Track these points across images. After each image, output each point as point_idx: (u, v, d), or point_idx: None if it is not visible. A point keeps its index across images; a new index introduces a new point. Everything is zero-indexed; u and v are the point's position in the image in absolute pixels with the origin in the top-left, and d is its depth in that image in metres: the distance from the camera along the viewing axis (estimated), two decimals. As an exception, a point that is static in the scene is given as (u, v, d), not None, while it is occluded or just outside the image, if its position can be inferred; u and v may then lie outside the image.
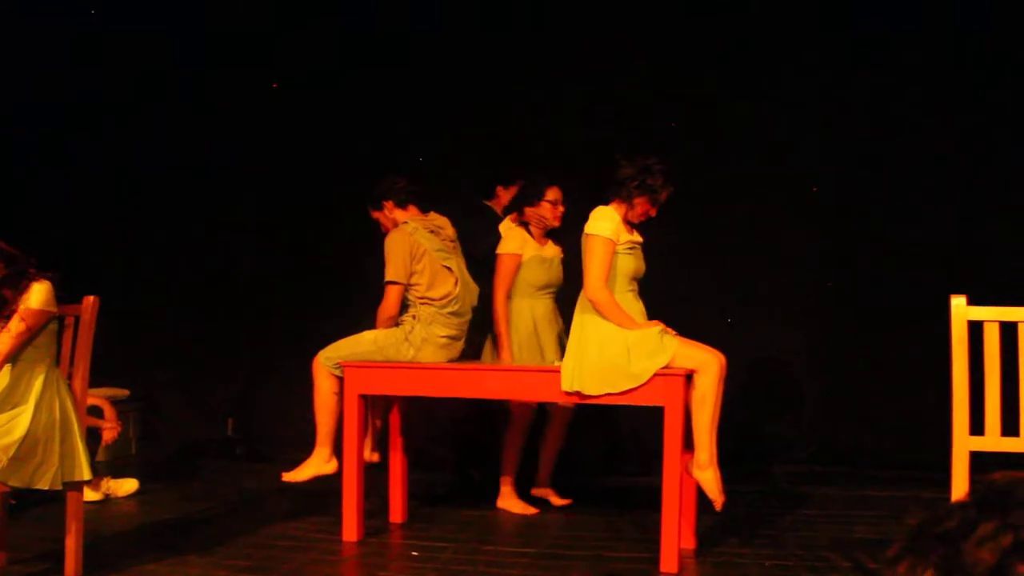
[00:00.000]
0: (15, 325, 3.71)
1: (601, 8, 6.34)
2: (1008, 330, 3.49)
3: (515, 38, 6.49)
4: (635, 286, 4.47)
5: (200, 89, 6.86)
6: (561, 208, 5.18)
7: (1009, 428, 3.44)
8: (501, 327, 5.11)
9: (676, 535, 4.14)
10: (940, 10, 5.87)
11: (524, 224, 5.22)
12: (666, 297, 4.79)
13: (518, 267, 5.15)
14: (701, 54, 6.27)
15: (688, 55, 6.27)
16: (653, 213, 4.43)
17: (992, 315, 3.47)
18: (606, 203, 4.40)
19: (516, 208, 5.29)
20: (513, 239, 5.18)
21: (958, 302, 3.39)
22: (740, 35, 6.20)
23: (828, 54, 6.09)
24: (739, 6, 6.23)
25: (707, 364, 4.19)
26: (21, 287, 3.76)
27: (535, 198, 5.18)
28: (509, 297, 5.15)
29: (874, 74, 6.03)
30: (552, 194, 5.17)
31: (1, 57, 6.41)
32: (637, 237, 4.48)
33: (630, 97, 6.28)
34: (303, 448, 4.93)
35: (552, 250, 5.27)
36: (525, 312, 5.13)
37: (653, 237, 4.60)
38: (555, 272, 5.23)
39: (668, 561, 4.13)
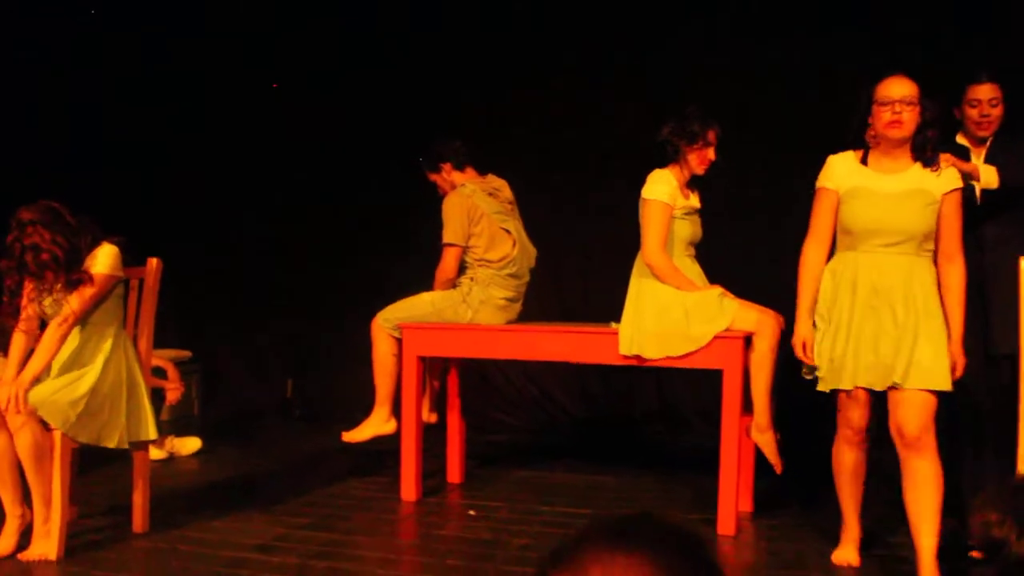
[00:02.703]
0: (85, 289, 3.80)
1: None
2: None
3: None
4: (692, 251, 4.44)
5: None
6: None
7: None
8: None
9: (734, 498, 4.14)
10: None
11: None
12: (725, 260, 4.75)
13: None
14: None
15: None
16: (712, 156, 4.33)
17: None
18: (663, 167, 4.36)
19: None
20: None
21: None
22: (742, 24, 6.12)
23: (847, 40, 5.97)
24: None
25: (765, 326, 4.16)
26: (90, 252, 3.85)
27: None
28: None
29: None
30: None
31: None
32: (695, 203, 4.44)
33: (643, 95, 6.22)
34: (362, 409, 4.99)
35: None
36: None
37: (713, 200, 4.55)
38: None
39: (726, 523, 4.13)
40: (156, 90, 6.98)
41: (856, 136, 3.63)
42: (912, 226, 3.52)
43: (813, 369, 3.65)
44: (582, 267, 6.46)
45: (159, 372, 5.33)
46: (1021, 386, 3.47)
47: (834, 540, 3.89)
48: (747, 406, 4.24)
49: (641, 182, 4.34)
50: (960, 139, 4.11)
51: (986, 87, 4.04)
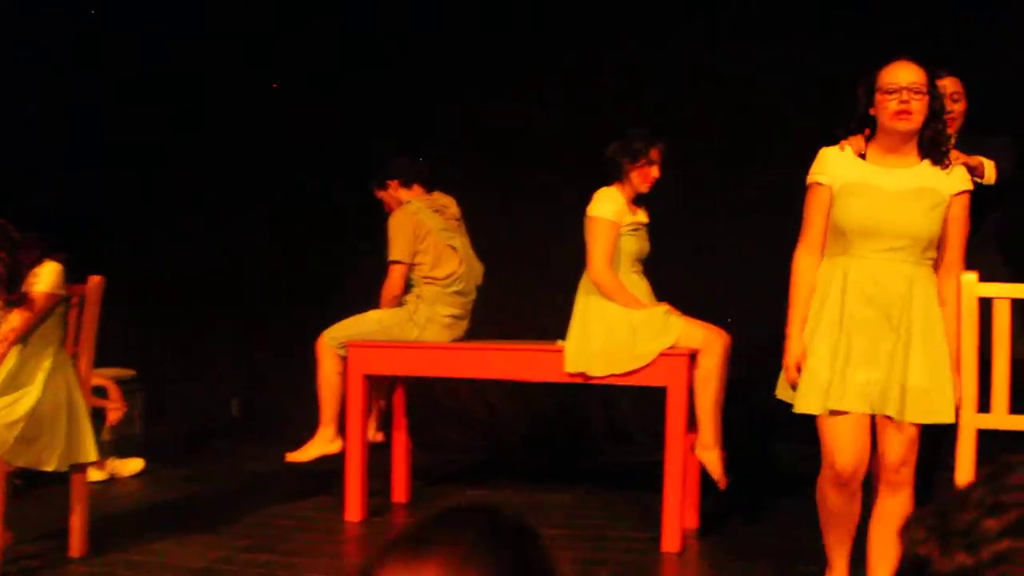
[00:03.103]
0: (26, 308, 3.72)
1: (601, 8, 6.32)
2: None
3: (515, 37, 6.46)
4: (639, 267, 4.46)
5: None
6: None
7: (1017, 406, 3.45)
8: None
9: (679, 515, 4.15)
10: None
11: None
12: (671, 277, 4.78)
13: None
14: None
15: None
16: (656, 174, 4.35)
17: (1002, 292, 3.46)
18: (609, 185, 4.38)
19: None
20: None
21: (968, 279, 3.37)
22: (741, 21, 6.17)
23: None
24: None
25: (711, 344, 4.19)
26: (31, 270, 3.77)
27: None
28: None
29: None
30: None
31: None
32: (642, 218, 4.46)
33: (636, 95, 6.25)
34: (308, 428, 4.93)
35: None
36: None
37: (659, 216, 4.57)
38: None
39: (670, 540, 4.14)
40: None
41: (856, 130, 3.24)
42: (917, 229, 3.11)
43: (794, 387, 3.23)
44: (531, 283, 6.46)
45: (100, 391, 5.24)
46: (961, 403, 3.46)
47: (778, 553, 3.91)
48: (693, 423, 4.26)
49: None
50: None
51: (947, 81, 3.83)
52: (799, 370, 3.20)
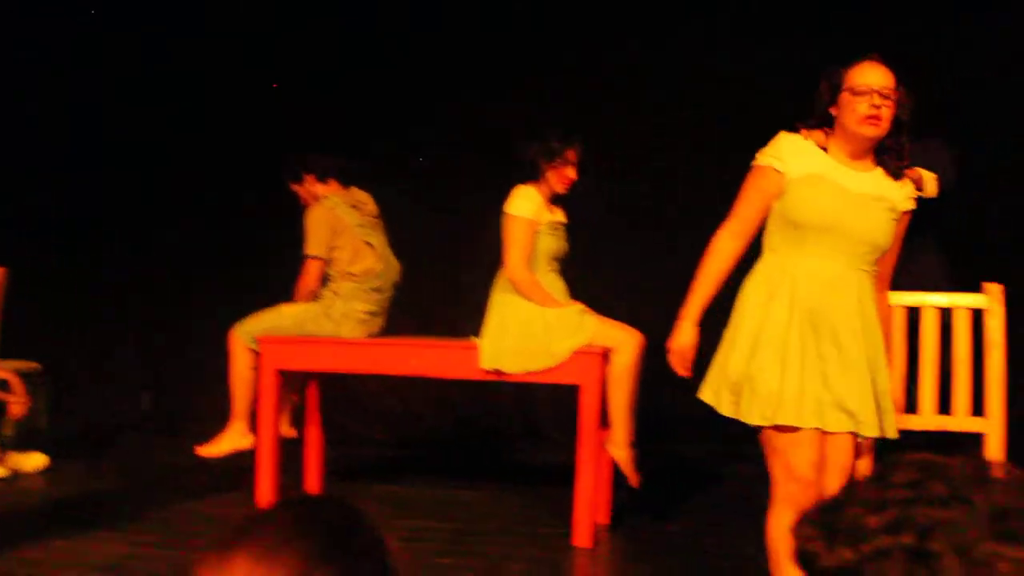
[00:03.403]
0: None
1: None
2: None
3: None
4: (556, 266, 4.49)
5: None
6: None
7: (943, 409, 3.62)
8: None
9: (590, 511, 4.20)
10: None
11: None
12: (587, 276, 4.82)
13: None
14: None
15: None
16: (572, 175, 4.38)
17: (927, 300, 3.64)
18: (526, 183, 4.40)
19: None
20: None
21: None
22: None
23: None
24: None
25: (625, 343, 4.24)
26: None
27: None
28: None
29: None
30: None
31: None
32: (560, 217, 4.49)
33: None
34: (220, 423, 4.87)
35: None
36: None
37: (576, 216, 4.61)
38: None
39: (582, 536, 4.18)
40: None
41: (814, 127, 2.98)
42: (876, 236, 2.91)
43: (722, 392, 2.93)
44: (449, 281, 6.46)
45: (2, 385, 5.09)
46: None
47: (689, 550, 3.97)
48: (606, 420, 4.31)
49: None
50: None
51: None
52: (684, 359, 2.99)
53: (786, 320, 2.85)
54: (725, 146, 4.47)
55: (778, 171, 2.92)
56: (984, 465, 1.01)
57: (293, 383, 4.97)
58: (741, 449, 6.15)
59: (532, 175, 4.38)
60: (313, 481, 5.04)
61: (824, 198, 2.87)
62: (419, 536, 4.28)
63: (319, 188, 4.92)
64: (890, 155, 2.93)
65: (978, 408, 3.64)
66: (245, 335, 4.70)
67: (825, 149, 2.94)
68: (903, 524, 0.94)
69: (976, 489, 0.95)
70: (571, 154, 4.35)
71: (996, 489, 0.96)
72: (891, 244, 2.98)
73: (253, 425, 4.72)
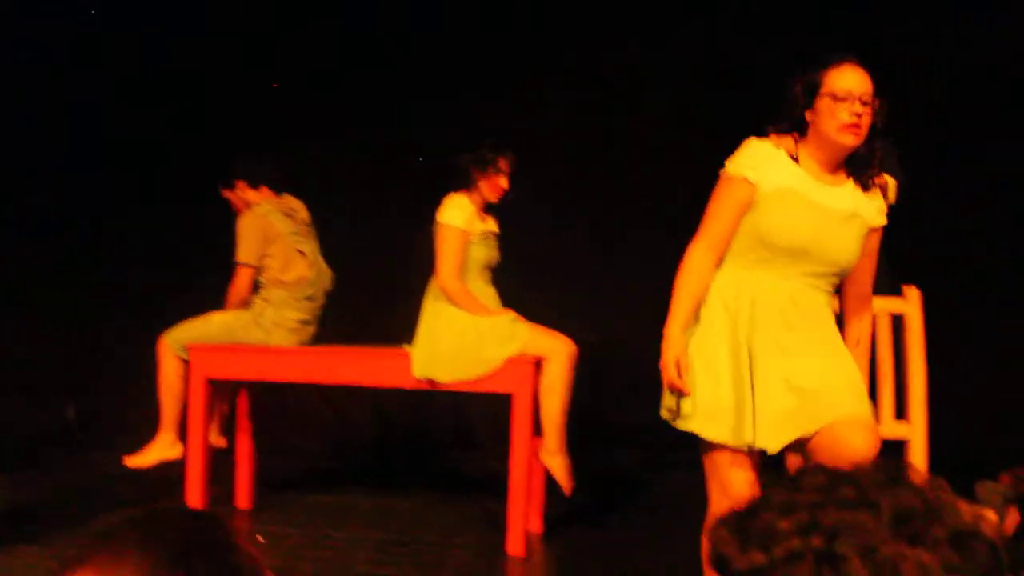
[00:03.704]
0: None
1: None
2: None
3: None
4: (488, 275, 4.50)
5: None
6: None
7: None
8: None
9: (523, 519, 4.20)
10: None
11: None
12: (519, 285, 4.83)
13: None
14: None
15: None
16: (504, 184, 4.39)
17: (879, 306, 3.65)
18: (458, 192, 4.40)
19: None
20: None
21: None
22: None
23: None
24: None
25: (557, 351, 4.25)
26: None
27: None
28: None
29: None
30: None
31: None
32: (492, 227, 4.50)
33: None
34: (148, 433, 4.78)
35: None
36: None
37: (506, 224, 4.62)
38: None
39: (515, 545, 4.18)
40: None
41: (786, 132, 2.83)
42: (847, 258, 2.79)
43: (676, 409, 2.80)
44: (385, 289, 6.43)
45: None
46: None
47: (621, 558, 3.99)
48: (539, 428, 4.32)
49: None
50: None
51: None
52: (680, 371, 2.79)
53: (744, 339, 2.75)
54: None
55: (751, 182, 2.78)
56: (894, 469, 1.03)
57: (223, 392, 4.91)
58: (675, 456, 6.24)
59: (464, 184, 4.38)
60: (244, 491, 4.97)
61: (797, 220, 2.74)
62: (351, 546, 4.25)
63: (251, 195, 4.87)
64: (862, 164, 2.79)
65: (901, 413, 3.70)
66: (174, 343, 4.63)
67: (796, 158, 2.80)
68: (812, 527, 0.96)
69: (883, 492, 0.97)
70: (503, 163, 4.36)
71: (903, 492, 0.98)
72: (858, 261, 2.84)
73: (182, 435, 4.64)
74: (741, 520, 1.02)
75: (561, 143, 6.29)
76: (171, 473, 4.86)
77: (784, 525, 0.97)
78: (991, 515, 3.32)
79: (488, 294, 4.45)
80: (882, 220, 2.89)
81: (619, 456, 6.21)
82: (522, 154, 6.12)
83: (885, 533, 0.93)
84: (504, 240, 4.58)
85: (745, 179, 2.79)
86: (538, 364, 4.27)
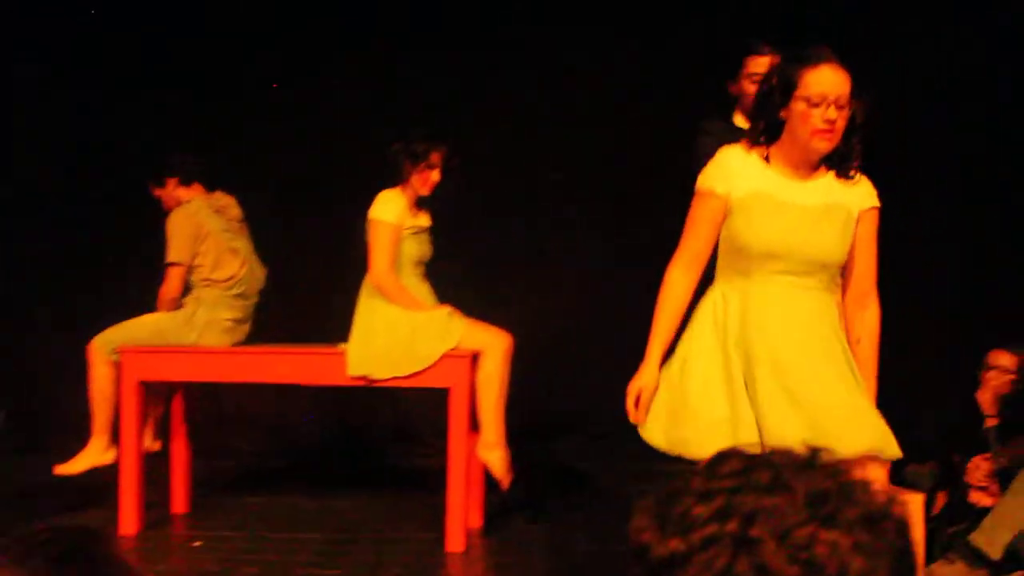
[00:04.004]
0: None
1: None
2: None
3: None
4: (422, 269, 4.49)
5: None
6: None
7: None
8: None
9: (462, 514, 4.20)
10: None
11: None
12: (453, 279, 4.81)
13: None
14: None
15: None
16: (436, 178, 4.35)
17: None
18: (391, 188, 4.38)
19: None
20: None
21: None
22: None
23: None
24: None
25: (493, 345, 4.26)
26: None
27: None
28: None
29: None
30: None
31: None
32: (424, 221, 4.48)
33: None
34: (80, 438, 4.69)
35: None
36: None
37: (439, 220, 4.61)
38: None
39: (454, 540, 4.17)
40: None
41: (768, 141, 2.75)
42: (830, 252, 2.73)
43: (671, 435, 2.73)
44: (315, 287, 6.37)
45: None
46: None
47: (560, 549, 4.00)
48: (477, 423, 4.31)
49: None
50: (738, 121, 3.66)
51: (771, 58, 3.32)
52: (639, 401, 2.77)
53: (721, 359, 2.70)
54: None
55: (720, 194, 2.75)
56: (810, 453, 1.03)
57: (157, 394, 4.83)
58: (611, 446, 6.29)
59: (396, 178, 4.36)
60: (180, 495, 4.90)
61: (768, 222, 2.70)
62: (291, 547, 4.23)
63: (182, 192, 4.78)
64: (841, 160, 2.72)
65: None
66: (105, 346, 4.54)
67: (767, 159, 2.74)
68: (729, 512, 0.96)
69: (798, 476, 0.98)
70: (435, 157, 4.34)
71: (817, 475, 0.98)
72: (849, 254, 2.77)
73: (115, 439, 4.56)
74: (660, 507, 1.02)
75: (492, 136, 6.29)
76: (106, 479, 4.77)
77: (701, 511, 0.97)
78: (918, 498, 3.38)
79: (422, 290, 4.43)
80: (873, 201, 2.81)
81: (556, 447, 6.23)
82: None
83: (799, 516, 0.94)
84: (437, 234, 4.56)
85: (713, 192, 2.76)
86: (474, 358, 4.26)
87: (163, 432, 4.89)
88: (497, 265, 6.15)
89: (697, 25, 6.17)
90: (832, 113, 2.60)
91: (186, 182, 4.80)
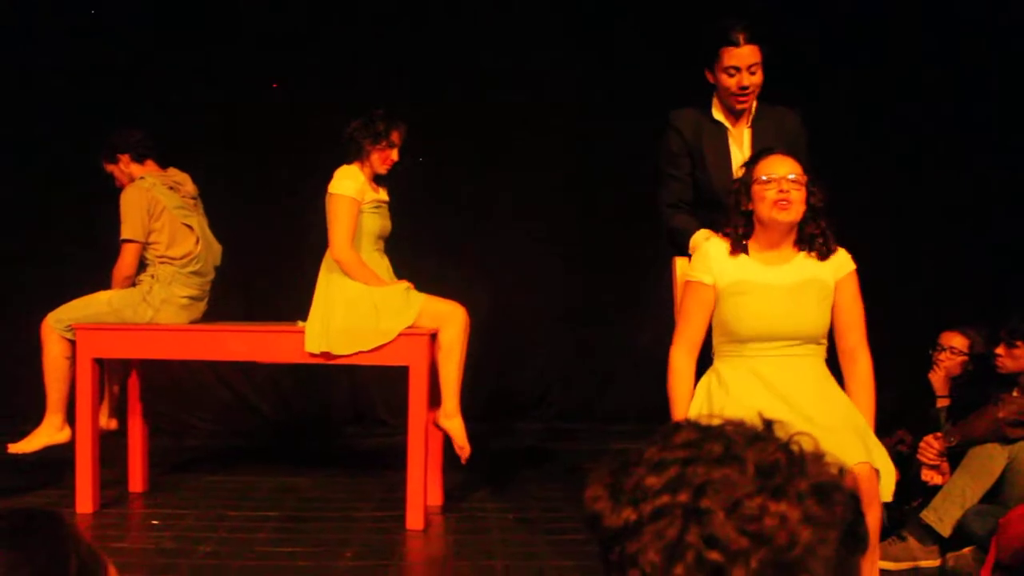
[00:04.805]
0: None
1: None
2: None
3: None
4: (381, 244, 4.47)
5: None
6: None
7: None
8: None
9: (422, 492, 4.19)
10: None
11: None
12: (412, 254, 4.80)
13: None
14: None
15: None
16: (395, 157, 4.35)
17: None
18: (349, 163, 4.35)
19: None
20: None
21: (681, 261, 3.54)
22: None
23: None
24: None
25: (451, 317, 4.26)
26: None
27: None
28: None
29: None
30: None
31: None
32: (383, 196, 4.46)
33: None
34: (34, 417, 4.64)
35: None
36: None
37: (399, 194, 4.59)
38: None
39: (414, 518, 4.18)
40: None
41: (744, 235, 3.09)
42: (811, 325, 3.04)
43: None
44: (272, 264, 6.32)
45: None
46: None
47: (519, 527, 4.00)
48: (435, 401, 4.31)
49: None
50: (716, 114, 3.69)
51: (745, 50, 3.51)
52: None
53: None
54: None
55: (708, 284, 3.10)
56: (764, 425, 1.04)
57: (113, 372, 4.78)
58: (570, 425, 6.32)
59: (356, 155, 4.33)
60: (137, 474, 4.85)
61: (751, 305, 3.03)
62: (251, 526, 4.21)
63: (135, 168, 4.71)
64: (811, 240, 3.07)
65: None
66: (59, 324, 4.47)
67: (745, 248, 3.09)
68: (680, 483, 0.97)
69: (749, 447, 0.98)
70: (395, 136, 4.32)
71: (767, 447, 0.99)
72: (829, 321, 3.07)
73: (70, 418, 4.51)
74: (614, 477, 1.03)
75: (451, 114, 6.27)
76: (61, 457, 4.73)
77: (654, 481, 0.98)
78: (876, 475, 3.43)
79: (382, 265, 4.41)
80: (848, 267, 3.11)
81: (516, 427, 6.25)
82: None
83: (749, 487, 0.95)
84: (395, 209, 4.54)
85: (702, 282, 3.11)
86: (433, 336, 4.26)
87: (120, 411, 4.85)
88: (451, 242, 6.14)
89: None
90: (784, 186, 2.98)
91: (138, 159, 4.73)
